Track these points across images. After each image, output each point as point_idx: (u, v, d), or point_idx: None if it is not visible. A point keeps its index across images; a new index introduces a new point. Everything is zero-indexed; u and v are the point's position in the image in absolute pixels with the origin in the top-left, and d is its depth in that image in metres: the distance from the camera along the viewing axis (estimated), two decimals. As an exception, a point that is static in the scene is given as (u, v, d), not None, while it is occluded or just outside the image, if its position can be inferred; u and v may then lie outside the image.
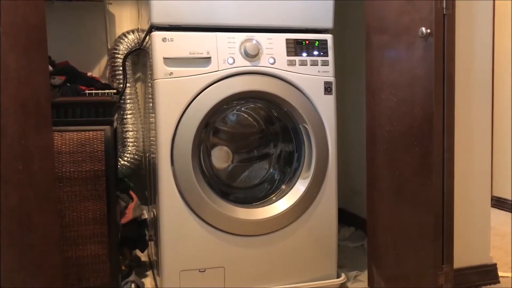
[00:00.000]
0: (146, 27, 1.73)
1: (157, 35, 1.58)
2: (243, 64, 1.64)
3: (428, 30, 1.40)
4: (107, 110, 1.61)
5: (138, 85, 2.22)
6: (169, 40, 1.58)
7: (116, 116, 2.01)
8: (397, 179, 1.61)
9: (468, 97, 1.76)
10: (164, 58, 1.57)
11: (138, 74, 2.23)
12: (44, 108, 1.37)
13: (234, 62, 1.63)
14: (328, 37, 1.74)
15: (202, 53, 1.61)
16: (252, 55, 1.64)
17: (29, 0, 1.31)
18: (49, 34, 2.09)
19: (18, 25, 1.24)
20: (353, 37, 2.43)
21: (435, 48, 1.39)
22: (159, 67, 1.57)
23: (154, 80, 1.58)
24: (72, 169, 1.50)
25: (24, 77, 1.25)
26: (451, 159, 1.49)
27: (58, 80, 1.86)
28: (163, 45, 1.58)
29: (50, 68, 1.93)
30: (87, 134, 1.53)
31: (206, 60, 1.61)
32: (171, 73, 1.58)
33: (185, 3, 1.60)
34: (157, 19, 1.59)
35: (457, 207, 1.55)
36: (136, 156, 2.12)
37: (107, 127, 1.56)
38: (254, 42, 1.65)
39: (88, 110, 1.58)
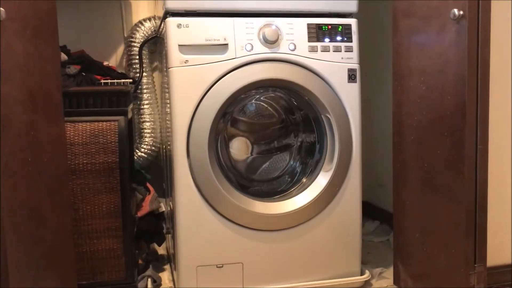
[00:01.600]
0: (162, 14, 1.66)
1: (171, 21, 1.51)
2: (262, 50, 1.56)
3: (461, 12, 1.29)
4: (122, 100, 1.55)
5: (156, 74, 2.16)
6: (185, 26, 1.51)
7: (132, 106, 1.96)
8: (426, 171, 1.51)
9: (503, 84, 1.64)
10: (179, 45, 1.51)
11: (156, 63, 2.17)
12: (55, 98, 1.32)
13: (252, 48, 1.55)
14: (352, 21, 1.65)
15: (218, 40, 1.53)
16: (271, 41, 1.56)
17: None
18: (65, 23, 2.06)
19: (26, 10, 1.18)
20: (378, 20, 2.32)
21: (469, 31, 1.29)
22: (174, 55, 1.50)
23: (169, 68, 1.51)
24: (85, 161, 1.46)
25: (32, 65, 1.20)
26: (485, 150, 1.39)
27: (73, 69, 1.81)
28: (178, 32, 1.51)
29: (65, 57, 1.88)
30: (100, 125, 1.47)
31: (223, 47, 1.54)
32: (186, 61, 1.51)
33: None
34: (172, 5, 1.52)
35: (489, 202, 1.44)
36: (153, 147, 2.07)
37: (121, 118, 1.51)
38: (274, 27, 1.57)
39: (102, 100, 1.53)
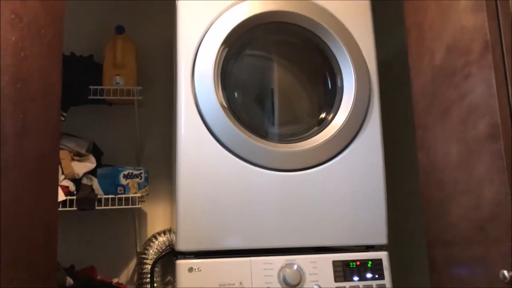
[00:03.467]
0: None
1: (183, 264, 1.37)
2: (282, 294, 1.39)
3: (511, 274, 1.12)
4: None
5: (168, 290, 1.99)
6: (196, 269, 1.37)
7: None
8: None
9: None
10: (189, 292, 1.35)
11: (169, 277, 2.01)
12: None
13: (272, 293, 1.38)
14: (383, 255, 1.48)
15: (233, 284, 1.37)
16: (293, 285, 1.39)
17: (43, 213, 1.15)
18: (75, 238, 1.97)
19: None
20: (408, 249, 2.10)
21: (526, 300, 1.10)
22: (184, 305, 1.34)
23: (177, 320, 1.34)
24: None
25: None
26: None
27: (77, 300, 1.67)
28: (189, 277, 1.36)
29: (71, 281, 1.75)
30: None
31: (239, 292, 1.37)
32: (197, 312, 1.34)
33: (216, 227, 1.41)
34: (183, 246, 1.40)
35: None
36: None
37: None
38: (295, 267, 1.41)
39: None
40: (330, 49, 1.59)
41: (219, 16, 1.51)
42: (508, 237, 1.14)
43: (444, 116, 1.38)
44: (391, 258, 1.49)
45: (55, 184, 1.31)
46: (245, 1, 1.53)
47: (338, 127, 1.50)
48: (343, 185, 1.50)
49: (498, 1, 1.20)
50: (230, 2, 1.53)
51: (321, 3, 1.60)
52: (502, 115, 1.16)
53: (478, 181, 1.24)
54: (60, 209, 1.69)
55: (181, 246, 1.40)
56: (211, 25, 1.50)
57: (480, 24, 1.22)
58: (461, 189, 1.30)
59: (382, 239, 1.50)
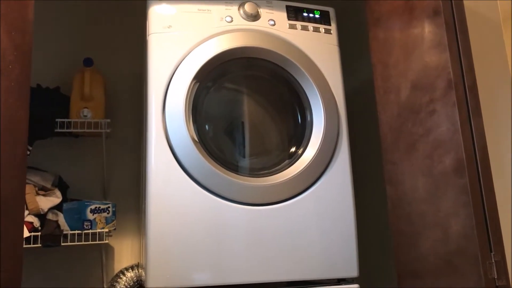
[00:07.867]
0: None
1: (153, 304, 1.34)
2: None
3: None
4: None
5: (136, 329, 1.93)
6: (168, 310, 1.34)
7: None
8: None
9: None
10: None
11: (137, 315, 1.95)
12: None
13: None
14: (355, 287, 1.49)
15: (207, 323, 1.35)
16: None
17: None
18: (39, 275, 1.90)
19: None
20: (379, 281, 2.11)
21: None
22: None
23: None
24: None
25: None
26: None
27: None
28: (160, 316, 1.33)
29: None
30: None
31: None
32: None
33: (187, 263, 1.39)
34: (154, 283, 1.36)
35: None
36: None
37: None
38: (269, 305, 1.40)
39: None
40: (300, 84, 1.62)
41: (190, 51, 1.52)
42: (474, 271, 1.17)
43: (411, 151, 1.41)
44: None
45: (21, 220, 1.27)
46: (216, 37, 1.55)
47: (308, 161, 1.51)
48: (314, 218, 1.51)
49: (459, 42, 1.26)
50: (201, 38, 1.54)
51: (289, 38, 1.64)
52: (466, 151, 1.21)
53: (445, 215, 1.27)
54: (24, 246, 1.63)
55: (151, 284, 1.37)
56: (182, 60, 1.51)
57: (444, 64, 1.28)
58: (429, 223, 1.33)
59: (353, 272, 1.51)
